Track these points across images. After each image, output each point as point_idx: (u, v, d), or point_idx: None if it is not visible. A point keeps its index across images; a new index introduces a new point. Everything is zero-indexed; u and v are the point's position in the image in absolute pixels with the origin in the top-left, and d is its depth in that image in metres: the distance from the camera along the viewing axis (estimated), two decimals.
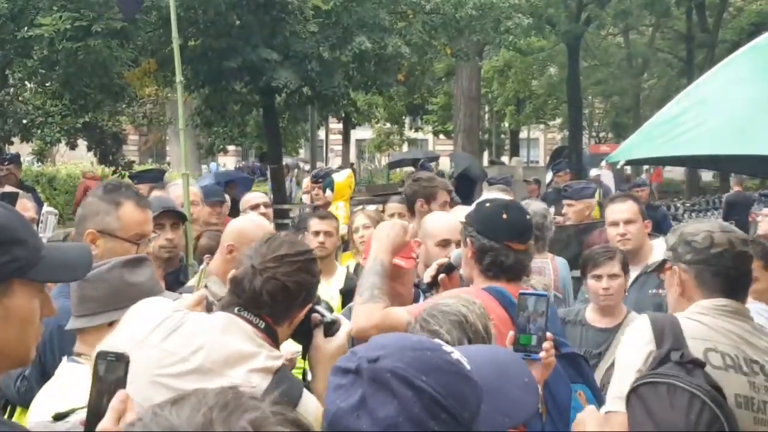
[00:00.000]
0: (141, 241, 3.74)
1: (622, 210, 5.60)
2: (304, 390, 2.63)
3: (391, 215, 6.94)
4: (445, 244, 4.44)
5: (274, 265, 2.68)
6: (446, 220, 4.66)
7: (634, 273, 5.32)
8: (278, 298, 2.68)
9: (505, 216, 3.59)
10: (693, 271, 3.10)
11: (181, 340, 2.54)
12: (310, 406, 2.57)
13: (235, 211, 8.90)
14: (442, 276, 3.87)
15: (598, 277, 4.87)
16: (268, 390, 2.48)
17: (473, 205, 3.88)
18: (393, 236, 3.70)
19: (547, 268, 5.77)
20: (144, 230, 3.78)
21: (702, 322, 2.97)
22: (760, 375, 2.89)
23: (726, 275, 3.04)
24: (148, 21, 16.27)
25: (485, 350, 1.97)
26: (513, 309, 3.53)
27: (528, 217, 3.74)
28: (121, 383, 1.88)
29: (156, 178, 9.04)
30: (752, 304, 4.17)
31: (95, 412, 1.84)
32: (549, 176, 18.11)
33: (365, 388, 1.54)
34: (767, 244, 4.63)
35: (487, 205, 3.73)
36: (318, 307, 2.91)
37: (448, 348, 1.67)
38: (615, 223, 5.61)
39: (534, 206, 5.77)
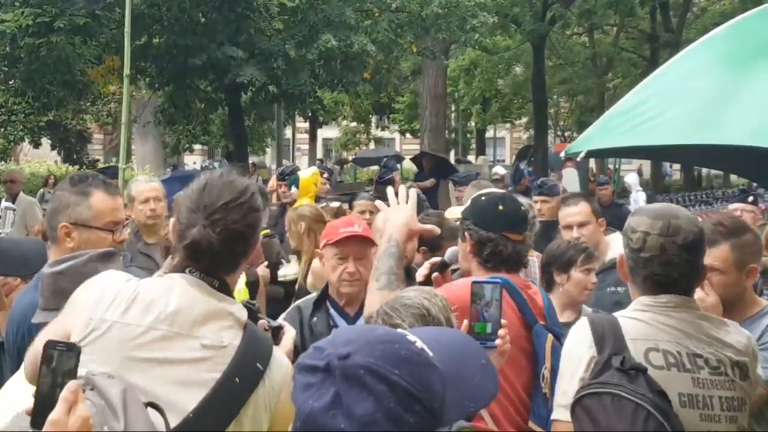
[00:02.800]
0: (115, 228, 3.73)
1: (574, 213, 5.53)
2: (274, 348, 2.57)
3: (361, 212, 6.97)
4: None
5: (222, 215, 2.51)
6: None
7: None
8: (235, 246, 2.55)
9: (500, 207, 3.68)
10: (628, 265, 3.06)
11: (141, 310, 2.45)
12: (282, 364, 2.54)
13: None
14: (435, 274, 3.89)
15: (589, 271, 4.87)
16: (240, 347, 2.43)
17: (468, 201, 3.91)
18: (405, 218, 3.51)
19: (533, 266, 5.75)
20: (117, 217, 3.77)
21: (642, 319, 2.93)
22: (704, 369, 2.87)
23: (654, 281, 2.97)
24: (111, 18, 16.15)
25: (443, 334, 1.93)
26: (518, 297, 3.59)
27: (523, 208, 3.80)
28: (72, 374, 1.86)
29: (113, 175, 9.03)
30: None
31: (45, 402, 1.82)
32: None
33: (338, 386, 1.52)
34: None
35: (483, 198, 3.80)
36: (262, 316, 2.80)
37: (411, 337, 1.66)
38: (569, 227, 5.55)
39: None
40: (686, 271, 2.97)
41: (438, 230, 3.74)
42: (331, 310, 4.24)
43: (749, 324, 3.50)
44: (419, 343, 1.64)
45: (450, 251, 3.99)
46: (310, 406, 1.54)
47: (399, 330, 1.73)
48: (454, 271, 4.13)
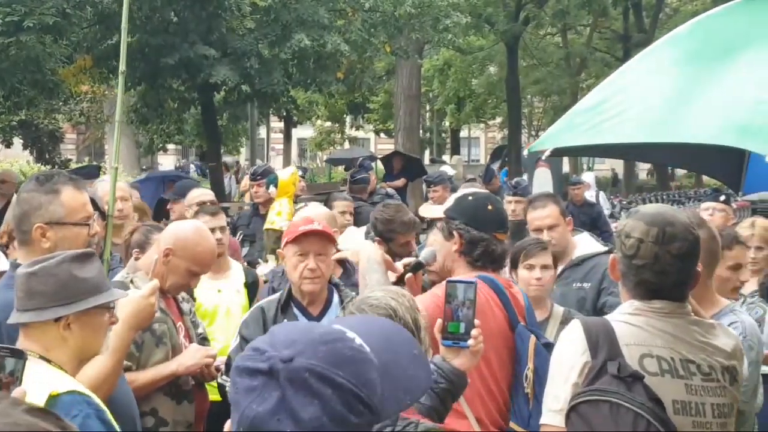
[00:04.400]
0: (89, 222, 3.73)
1: (543, 216, 5.54)
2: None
3: (342, 213, 7.01)
4: None
5: None
6: (314, 212, 5.32)
7: (558, 269, 5.39)
8: None
9: (490, 207, 3.72)
10: (621, 270, 3.03)
11: None
12: None
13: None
14: (409, 275, 3.89)
15: (531, 267, 4.84)
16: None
17: (451, 200, 3.90)
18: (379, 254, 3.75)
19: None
20: (88, 211, 3.80)
21: (635, 324, 2.90)
22: (696, 375, 2.85)
23: (646, 287, 2.95)
24: (83, 17, 16.03)
25: (374, 323, 1.92)
26: (504, 296, 3.60)
27: (504, 208, 3.85)
28: (18, 379, 1.82)
29: (91, 174, 8.92)
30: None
31: None
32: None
33: (284, 390, 1.50)
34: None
35: (470, 198, 3.81)
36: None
37: (350, 334, 1.64)
38: (539, 230, 5.54)
39: None
40: (680, 279, 2.94)
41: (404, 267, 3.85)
42: (295, 311, 4.23)
43: None
44: (357, 340, 1.63)
45: (426, 251, 3.99)
46: (255, 411, 1.51)
47: (336, 326, 1.70)
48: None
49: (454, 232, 3.71)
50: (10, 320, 3.03)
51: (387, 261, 3.78)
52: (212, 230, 5.26)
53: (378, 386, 1.58)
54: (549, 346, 3.58)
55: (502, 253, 3.72)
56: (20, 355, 1.84)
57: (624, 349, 2.82)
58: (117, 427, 2.88)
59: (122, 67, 5.15)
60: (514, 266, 4.90)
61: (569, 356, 2.91)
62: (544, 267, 4.88)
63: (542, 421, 2.95)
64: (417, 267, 3.95)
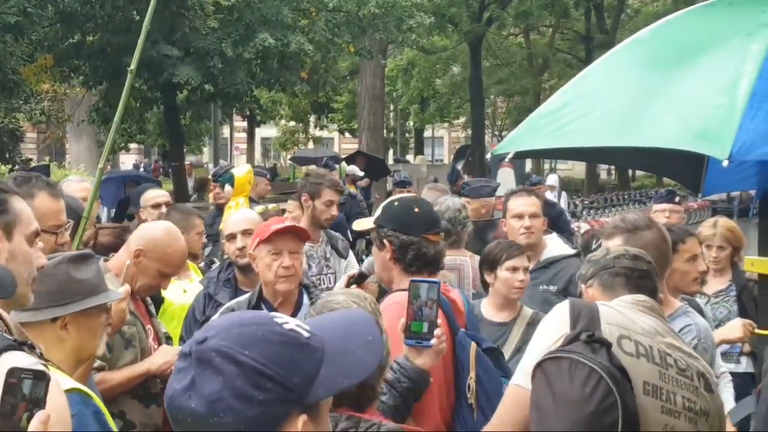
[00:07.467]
0: (58, 231, 3.70)
1: (527, 204, 5.54)
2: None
3: (290, 212, 6.95)
4: (230, 237, 5.05)
5: None
6: (239, 215, 5.33)
7: None
8: None
9: (416, 210, 3.65)
10: (595, 282, 3.15)
11: None
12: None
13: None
14: (353, 287, 3.89)
15: (515, 269, 4.83)
16: None
17: (380, 209, 3.87)
18: None
19: (466, 266, 5.69)
20: (60, 220, 3.74)
21: (621, 311, 2.97)
22: (672, 368, 2.88)
23: (626, 275, 3.10)
24: (44, 16, 15.92)
25: (340, 316, 2.08)
26: (444, 303, 3.57)
27: (436, 208, 3.82)
28: (42, 402, 1.80)
29: (41, 173, 8.83)
30: None
31: (10, 427, 1.76)
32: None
33: (194, 369, 1.62)
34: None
35: (396, 203, 3.75)
36: None
37: (281, 319, 1.71)
38: (520, 216, 5.51)
39: (449, 201, 5.78)
40: (651, 267, 3.15)
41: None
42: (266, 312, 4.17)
43: None
44: (289, 325, 1.70)
45: (367, 262, 3.99)
46: (173, 388, 1.63)
47: (273, 313, 1.80)
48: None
49: (384, 241, 3.63)
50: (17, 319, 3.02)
51: None
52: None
53: (304, 366, 1.66)
54: (491, 351, 3.61)
55: (435, 254, 3.64)
56: (42, 377, 1.81)
57: (604, 327, 2.87)
58: (114, 427, 2.88)
59: (133, 65, 5.01)
60: (492, 268, 4.89)
61: (552, 328, 2.97)
62: (525, 269, 4.90)
63: (512, 381, 3.00)
64: (360, 278, 4.00)
